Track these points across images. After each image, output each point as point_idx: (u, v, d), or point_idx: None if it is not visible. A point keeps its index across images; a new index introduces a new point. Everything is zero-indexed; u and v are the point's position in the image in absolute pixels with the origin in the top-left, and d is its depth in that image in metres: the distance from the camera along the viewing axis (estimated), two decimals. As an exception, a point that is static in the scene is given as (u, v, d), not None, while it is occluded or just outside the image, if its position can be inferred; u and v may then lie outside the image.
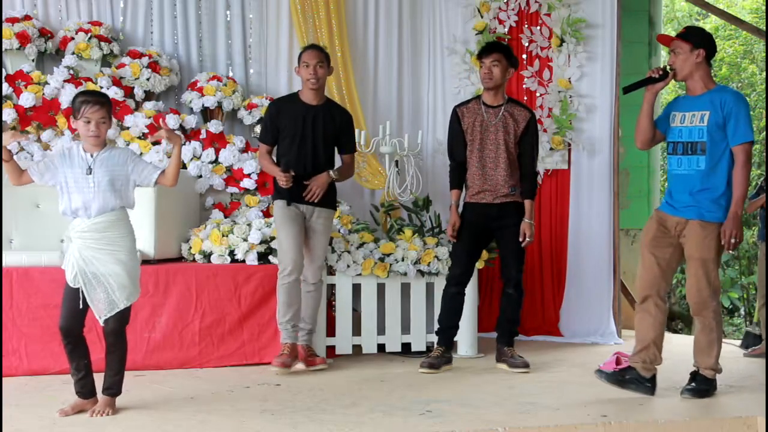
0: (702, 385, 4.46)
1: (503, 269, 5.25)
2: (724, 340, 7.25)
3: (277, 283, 5.04)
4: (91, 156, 3.97)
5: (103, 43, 6.14)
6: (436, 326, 5.32)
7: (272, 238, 5.41)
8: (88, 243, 3.93)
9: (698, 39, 4.40)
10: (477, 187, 5.15)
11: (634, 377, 4.47)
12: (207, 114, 6.27)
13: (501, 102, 5.21)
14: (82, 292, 3.92)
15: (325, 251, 5.18)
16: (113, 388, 4.06)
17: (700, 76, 4.40)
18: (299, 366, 5.01)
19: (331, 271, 5.44)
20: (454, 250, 5.28)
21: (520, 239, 5.11)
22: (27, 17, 6.11)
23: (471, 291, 5.65)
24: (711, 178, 4.35)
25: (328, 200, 5.14)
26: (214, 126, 6.12)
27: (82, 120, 3.92)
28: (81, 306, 3.92)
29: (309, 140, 5.04)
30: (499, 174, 5.13)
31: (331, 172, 5.08)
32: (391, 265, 5.51)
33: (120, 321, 4.01)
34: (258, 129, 6.22)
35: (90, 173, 3.94)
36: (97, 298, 3.93)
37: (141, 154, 5.84)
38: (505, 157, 5.12)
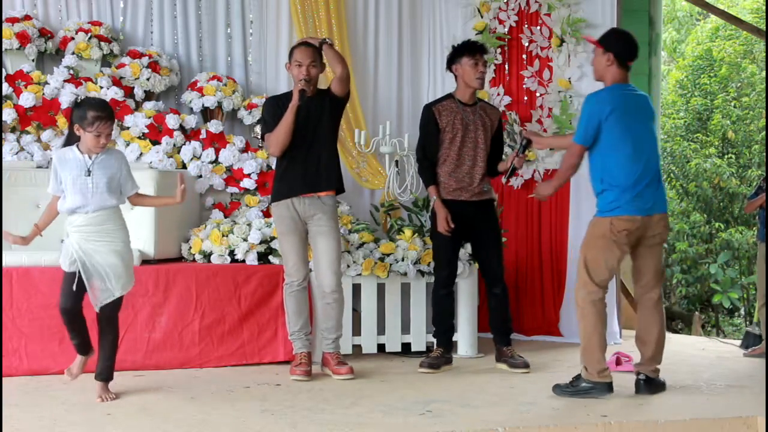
0: (578, 381, 4.47)
1: (486, 270, 5.24)
2: (724, 340, 7.30)
3: (284, 293, 4.99)
4: (89, 158, 4.18)
5: (103, 43, 6.14)
6: (432, 329, 5.34)
7: (272, 238, 5.41)
8: (86, 236, 4.15)
9: (609, 42, 4.52)
10: (453, 184, 5.13)
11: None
12: (207, 114, 6.27)
13: (475, 100, 5.23)
14: (80, 276, 4.13)
15: (337, 254, 4.94)
16: (105, 374, 4.27)
17: (609, 79, 4.50)
18: (327, 371, 4.99)
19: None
20: (439, 252, 5.22)
21: (523, 141, 4.97)
22: (27, 17, 6.11)
23: (471, 291, 5.67)
24: (592, 177, 4.55)
25: (330, 181, 4.91)
26: (214, 126, 6.12)
27: (93, 133, 4.13)
28: (75, 288, 4.13)
29: (311, 133, 4.89)
30: (477, 172, 5.14)
31: (326, 39, 5.00)
32: (391, 265, 5.51)
33: (114, 307, 4.24)
34: (258, 129, 6.22)
35: (89, 175, 4.15)
36: (95, 287, 4.15)
37: (141, 154, 5.86)
38: (483, 155, 5.15)
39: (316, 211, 4.89)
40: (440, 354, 5.20)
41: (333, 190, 4.97)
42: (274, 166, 5.20)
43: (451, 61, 5.22)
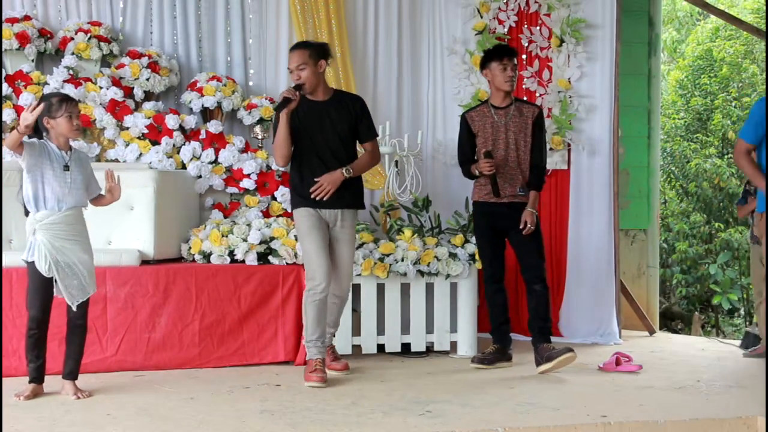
0: None
1: (526, 268, 5.22)
2: (723, 340, 7.31)
3: (305, 299, 4.82)
4: (66, 153, 4.28)
5: (102, 44, 6.13)
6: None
7: (272, 239, 5.41)
8: (57, 234, 4.22)
9: None
10: (486, 187, 5.16)
11: None
12: (207, 114, 6.27)
13: (509, 102, 5.25)
14: (55, 281, 4.21)
15: (352, 262, 5.02)
16: (75, 372, 4.39)
17: None
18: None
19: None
20: (480, 251, 5.35)
21: (521, 226, 5.09)
22: (27, 17, 6.11)
23: (471, 291, 5.67)
24: None
25: (353, 200, 4.96)
26: (214, 126, 6.12)
27: (64, 116, 4.21)
28: (54, 294, 4.23)
29: (323, 138, 4.83)
30: (508, 173, 5.15)
31: (344, 170, 4.80)
32: (390, 265, 5.51)
33: (86, 308, 4.35)
34: (258, 129, 6.23)
35: (68, 170, 4.25)
36: (71, 285, 4.23)
37: (141, 154, 5.86)
38: (515, 156, 5.16)
39: (340, 218, 4.89)
40: (494, 351, 5.28)
41: (357, 207, 5.01)
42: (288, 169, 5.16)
43: (482, 66, 5.28)
